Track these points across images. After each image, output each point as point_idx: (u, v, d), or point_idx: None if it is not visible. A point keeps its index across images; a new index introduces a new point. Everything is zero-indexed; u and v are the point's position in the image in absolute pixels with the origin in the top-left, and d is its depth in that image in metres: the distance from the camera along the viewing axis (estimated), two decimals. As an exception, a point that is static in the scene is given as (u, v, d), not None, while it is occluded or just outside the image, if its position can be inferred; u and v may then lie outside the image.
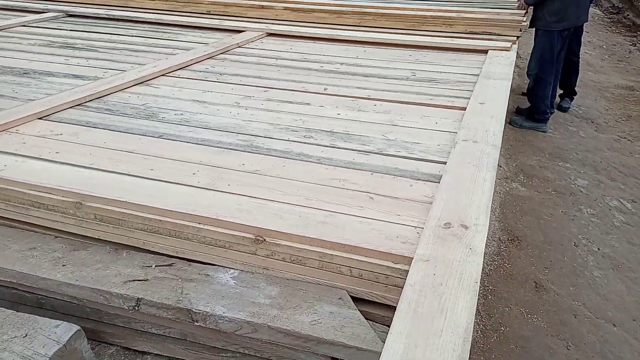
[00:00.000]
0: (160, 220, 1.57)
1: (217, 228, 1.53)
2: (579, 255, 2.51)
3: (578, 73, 4.35)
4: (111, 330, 1.59)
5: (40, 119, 2.24)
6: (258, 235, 1.50)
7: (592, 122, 4.15)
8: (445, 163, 1.88)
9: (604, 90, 4.93)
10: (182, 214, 1.57)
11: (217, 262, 1.58)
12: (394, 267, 1.37)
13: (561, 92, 4.42)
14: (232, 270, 1.55)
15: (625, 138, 3.91)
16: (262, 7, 4.24)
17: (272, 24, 4.06)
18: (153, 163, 1.88)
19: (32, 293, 1.66)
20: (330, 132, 2.19)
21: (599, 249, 2.56)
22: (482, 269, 1.49)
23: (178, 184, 1.74)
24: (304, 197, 1.67)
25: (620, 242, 2.62)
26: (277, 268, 1.51)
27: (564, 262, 2.45)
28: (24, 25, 3.96)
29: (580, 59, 4.31)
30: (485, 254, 1.99)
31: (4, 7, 4.43)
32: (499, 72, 2.91)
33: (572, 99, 4.44)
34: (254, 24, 4.04)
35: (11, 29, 3.86)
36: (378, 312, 1.42)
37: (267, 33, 3.89)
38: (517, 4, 4.23)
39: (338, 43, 3.72)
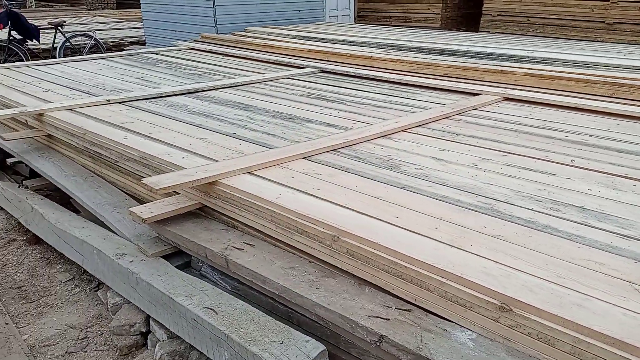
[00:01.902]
0: (405, 266, 1.68)
1: (461, 286, 1.56)
2: None
3: None
4: (346, 358, 1.74)
5: (304, 158, 2.63)
6: (504, 303, 1.48)
7: None
8: None
9: None
10: (426, 265, 1.64)
11: (454, 319, 1.60)
12: (671, 376, 1.19)
13: None
14: (469, 332, 1.55)
15: None
16: (501, 71, 4.25)
17: (510, 88, 4.02)
18: (398, 211, 2.02)
19: (285, 306, 1.93)
20: (581, 208, 2.05)
21: None
22: None
23: (422, 235, 1.83)
24: (554, 274, 1.58)
25: None
26: (521, 342, 1.46)
27: None
28: (288, 78, 4.74)
29: None
30: None
31: (276, 62, 5.40)
32: None
33: None
34: (490, 87, 4.07)
35: (280, 80, 4.66)
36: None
37: (504, 97, 3.87)
38: None
39: (584, 113, 3.47)
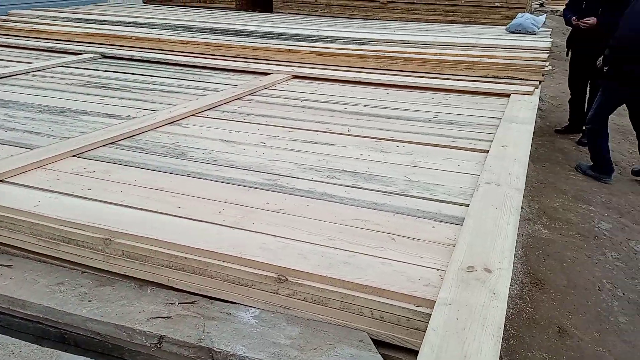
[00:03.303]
0: (185, 258, 1.60)
1: (241, 266, 1.55)
2: (603, 300, 2.44)
3: None
4: (132, 367, 1.60)
5: (74, 156, 2.33)
6: (280, 275, 1.51)
7: (616, 165, 4.08)
8: (468, 205, 1.88)
9: (628, 134, 4.86)
10: (207, 252, 1.59)
11: (239, 301, 1.58)
12: (416, 310, 1.36)
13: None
14: (253, 309, 1.55)
15: (652, 182, 3.83)
16: (289, 51, 4.39)
17: (298, 67, 4.19)
18: (181, 201, 1.93)
19: (57, 328, 1.68)
20: (353, 172, 2.22)
21: (624, 293, 2.49)
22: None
23: (204, 222, 1.77)
24: (327, 237, 1.68)
25: (650, 289, 2.54)
26: (299, 308, 1.51)
27: (588, 307, 2.38)
28: (62, 66, 4.17)
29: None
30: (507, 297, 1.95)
31: (46, 49, 4.70)
32: (522, 117, 2.93)
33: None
34: (280, 66, 4.18)
35: (51, 69, 4.07)
36: (399, 355, 1.40)
37: (293, 75, 4.01)
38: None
39: (362, 85, 3.81)
